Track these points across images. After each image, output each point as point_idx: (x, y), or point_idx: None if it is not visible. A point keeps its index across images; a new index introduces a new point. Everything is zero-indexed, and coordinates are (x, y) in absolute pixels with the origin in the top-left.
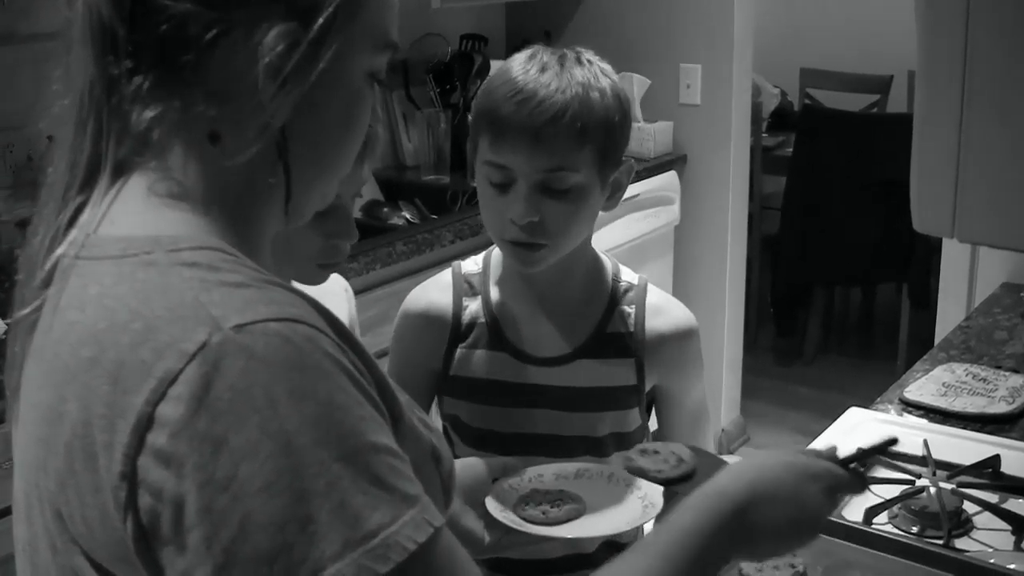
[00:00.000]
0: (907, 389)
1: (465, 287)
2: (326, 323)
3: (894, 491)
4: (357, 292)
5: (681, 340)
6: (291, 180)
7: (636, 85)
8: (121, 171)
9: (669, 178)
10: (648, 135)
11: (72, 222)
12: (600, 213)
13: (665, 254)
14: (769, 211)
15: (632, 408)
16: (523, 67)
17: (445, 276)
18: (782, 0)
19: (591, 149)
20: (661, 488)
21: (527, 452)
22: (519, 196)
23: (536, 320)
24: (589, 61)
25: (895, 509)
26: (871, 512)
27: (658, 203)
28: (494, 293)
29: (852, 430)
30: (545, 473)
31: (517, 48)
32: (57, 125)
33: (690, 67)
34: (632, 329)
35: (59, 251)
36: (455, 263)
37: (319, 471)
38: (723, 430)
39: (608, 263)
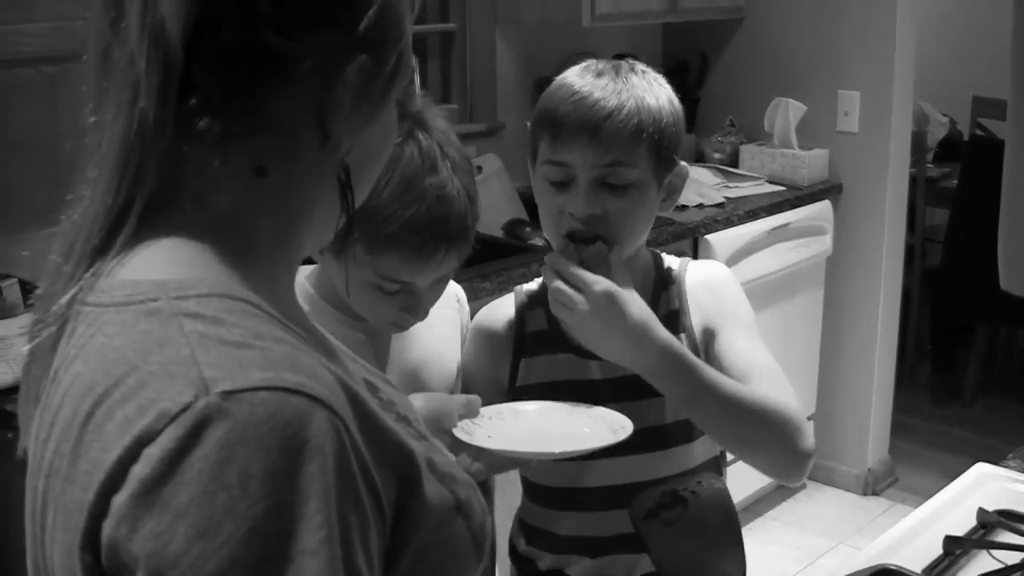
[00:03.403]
0: None
1: (526, 301)
2: (337, 384)
3: (1014, 558)
4: None
5: (714, 282)
6: (352, 210)
7: (792, 111)
8: (151, 212)
9: (822, 208)
10: (802, 163)
11: (91, 264)
12: (741, 242)
13: (815, 285)
14: (933, 244)
15: None
16: (579, 74)
17: (508, 296)
18: (954, 27)
19: (647, 147)
20: (624, 417)
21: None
22: (579, 191)
23: None
24: (643, 71)
25: None
26: None
27: (809, 233)
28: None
29: (974, 488)
30: (504, 411)
31: (671, 69)
32: (97, 164)
33: (848, 94)
34: (679, 304)
35: (71, 293)
36: (516, 287)
37: (282, 565)
38: (869, 469)
39: (652, 256)
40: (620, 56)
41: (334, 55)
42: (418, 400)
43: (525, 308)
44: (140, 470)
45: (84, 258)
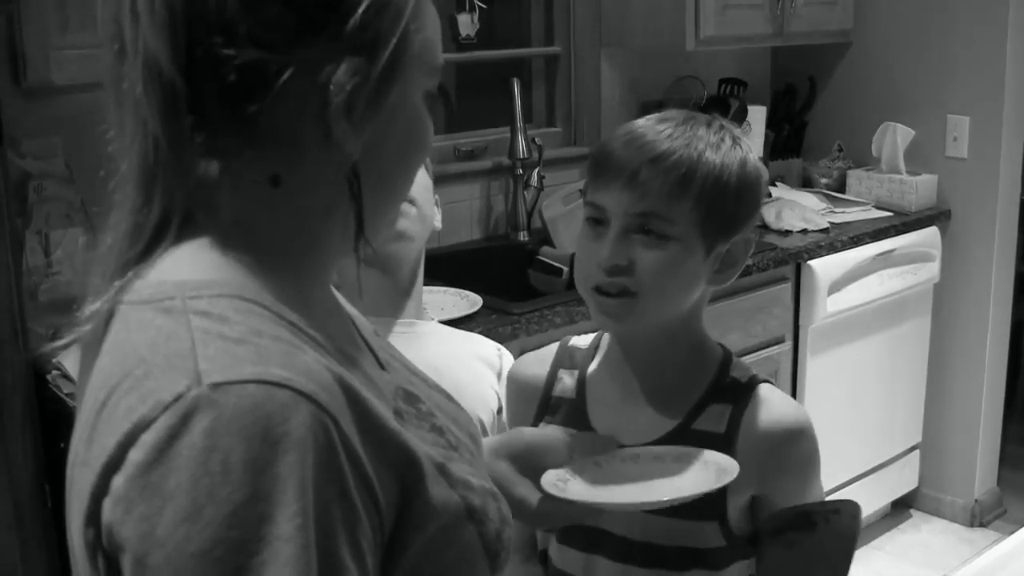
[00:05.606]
0: None
1: (567, 360)
2: (335, 383)
3: None
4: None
5: (781, 442)
6: (362, 212)
7: (899, 136)
8: (183, 227)
9: (930, 234)
10: (910, 188)
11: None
12: (845, 268)
13: (922, 313)
14: None
15: (707, 520)
16: (648, 118)
17: (551, 347)
18: None
19: (694, 204)
20: (731, 460)
21: (600, 540)
22: (609, 238)
23: (624, 405)
24: (722, 126)
25: None
26: None
27: (916, 259)
28: (592, 371)
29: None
30: (642, 453)
31: (779, 93)
32: (120, 186)
33: (958, 118)
34: (723, 430)
35: (112, 292)
36: (566, 337)
37: (258, 548)
38: (976, 500)
39: (720, 354)
40: (727, 80)
41: (320, 62)
42: (524, 434)
43: (563, 366)
44: (136, 455)
45: (118, 272)
